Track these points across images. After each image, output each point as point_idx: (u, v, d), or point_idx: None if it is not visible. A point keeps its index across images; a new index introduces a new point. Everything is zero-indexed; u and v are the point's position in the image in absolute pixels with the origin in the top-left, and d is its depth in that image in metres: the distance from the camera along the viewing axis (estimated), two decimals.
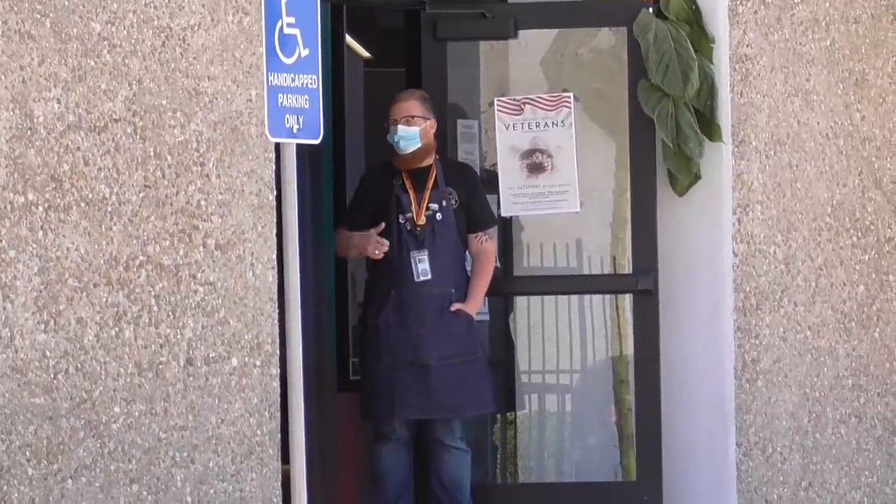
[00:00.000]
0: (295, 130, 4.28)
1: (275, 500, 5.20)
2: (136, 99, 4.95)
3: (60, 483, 4.70)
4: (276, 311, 5.16)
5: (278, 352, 5.12)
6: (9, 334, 4.56)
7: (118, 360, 4.84)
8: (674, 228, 6.98)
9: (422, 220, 6.52)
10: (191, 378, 5.09)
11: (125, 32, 4.92)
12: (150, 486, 4.98)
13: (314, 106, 4.36)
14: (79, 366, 4.75)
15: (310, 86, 4.33)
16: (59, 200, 4.72)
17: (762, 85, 7.08)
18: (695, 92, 6.62)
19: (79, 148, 4.77)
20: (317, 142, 4.57)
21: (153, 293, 4.98)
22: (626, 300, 7.05)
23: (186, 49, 5.07)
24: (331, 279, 7.10)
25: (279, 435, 5.08)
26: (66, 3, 4.81)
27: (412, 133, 6.38)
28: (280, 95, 4.24)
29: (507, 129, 6.86)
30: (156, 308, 5.00)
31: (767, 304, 6.98)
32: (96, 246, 4.81)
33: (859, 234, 7.32)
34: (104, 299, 4.81)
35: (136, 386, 4.88)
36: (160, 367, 4.96)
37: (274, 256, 5.12)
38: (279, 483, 5.11)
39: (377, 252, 6.32)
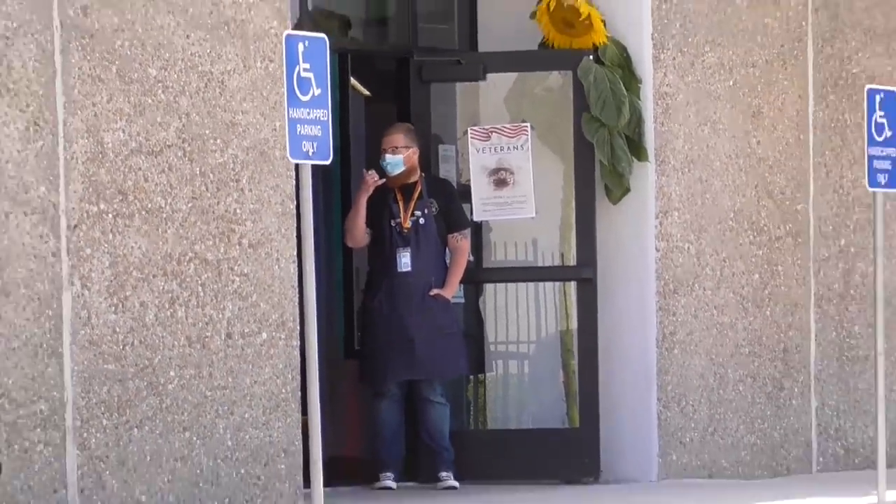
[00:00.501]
0: (310, 153, 4.07)
1: (296, 443, 5.01)
2: (184, 129, 4.75)
3: (128, 431, 4.59)
4: (297, 296, 4.95)
5: (298, 328, 4.94)
6: (86, 315, 4.47)
7: (172, 334, 4.73)
8: (609, 230, 6.63)
9: (407, 224, 6.35)
10: (230, 349, 4.88)
11: (175, 76, 4.73)
12: (198, 433, 4.81)
13: (325, 134, 4.12)
14: (142, 339, 4.63)
15: (321, 118, 4.10)
16: (124, 209, 4.57)
17: (679, 116, 6.69)
18: (626, 122, 6.32)
19: (140, 168, 4.61)
20: (327, 163, 4.31)
21: (199, 282, 4.80)
22: (572, 286, 6.70)
23: (224, 89, 4.85)
24: (339, 271, 6.84)
25: (299, 392, 4.92)
26: (128, 52, 4.63)
27: (397, 160, 6.23)
28: (298, 126, 4.03)
29: (477, 152, 6.57)
30: (202, 293, 4.83)
31: (682, 289, 6.61)
32: (154, 245, 4.62)
33: (755, 233, 6.96)
34: (161, 287, 4.67)
35: (186, 355, 4.74)
36: (206, 339, 4.81)
37: (294, 253, 4.89)
38: (299, 430, 4.97)
39: (370, 180, 6.30)
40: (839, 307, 7.13)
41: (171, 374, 4.66)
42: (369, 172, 6.13)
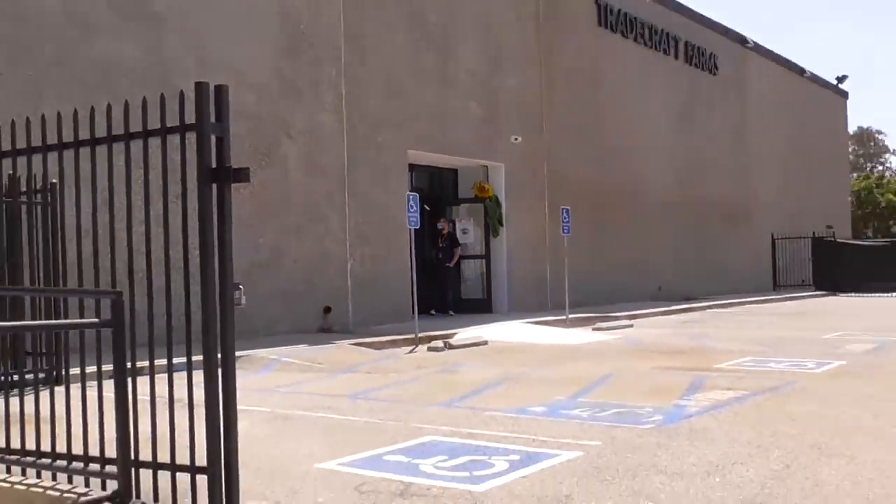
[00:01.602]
0: (412, 224, 16.42)
1: None
2: (386, 219, 18.49)
3: None
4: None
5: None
6: None
7: None
8: (494, 245, 20.73)
9: (453, 261, 20.17)
10: None
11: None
12: None
13: (416, 219, 15.58)
14: None
15: (413, 216, 16.61)
16: None
17: (512, 218, 20.75)
18: (498, 217, 20.43)
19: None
20: (417, 227, 15.32)
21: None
22: (485, 261, 20.60)
23: (392, 208, 18.45)
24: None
25: None
26: None
27: (441, 226, 20.47)
28: (407, 215, 15.97)
29: (460, 224, 21.16)
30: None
31: (516, 261, 21.08)
32: None
33: (540, 252, 21.54)
34: None
35: None
36: None
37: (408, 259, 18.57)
38: None
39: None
40: None
41: None
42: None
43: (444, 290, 20.08)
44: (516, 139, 20.96)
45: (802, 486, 5.26)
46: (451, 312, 19.86)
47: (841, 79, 40.85)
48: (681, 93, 28.04)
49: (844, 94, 41.47)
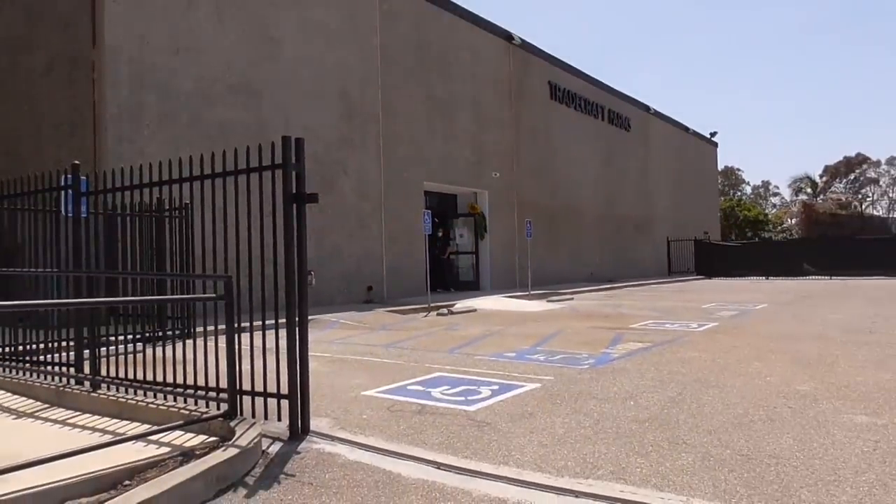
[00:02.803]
0: (426, 230, 16.74)
1: None
2: (405, 229, 18.37)
3: None
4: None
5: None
6: None
7: None
8: (481, 246, 20.66)
9: (445, 255, 20.19)
10: None
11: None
12: None
13: (429, 227, 16.43)
14: None
15: (427, 225, 16.80)
16: None
17: (492, 227, 20.38)
18: (483, 227, 20.34)
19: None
20: (430, 233, 16.01)
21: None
22: (474, 256, 20.40)
23: (409, 220, 18.49)
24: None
25: None
26: None
27: (439, 236, 20.42)
28: (423, 225, 16.46)
29: (459, 231, 21.05)
30: None
31: (499, 257, 20.52)
32: None
33: (517, 253, 21.26)
34: None
35: None
36: None
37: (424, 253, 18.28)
38: None
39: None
40: None
41: None
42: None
43: (444, 274, 19.83)
44: (496, 174, 20.69)
45: (689, 406, 5.20)
46: (452, 290, 19.62)
47: (713, 133, 40.62)
48: (605, 143, 27.67)
49: (715, 144, 41.12)
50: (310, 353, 4.37)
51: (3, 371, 5.55)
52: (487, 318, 12.91)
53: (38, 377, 5.42)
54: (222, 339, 4.40)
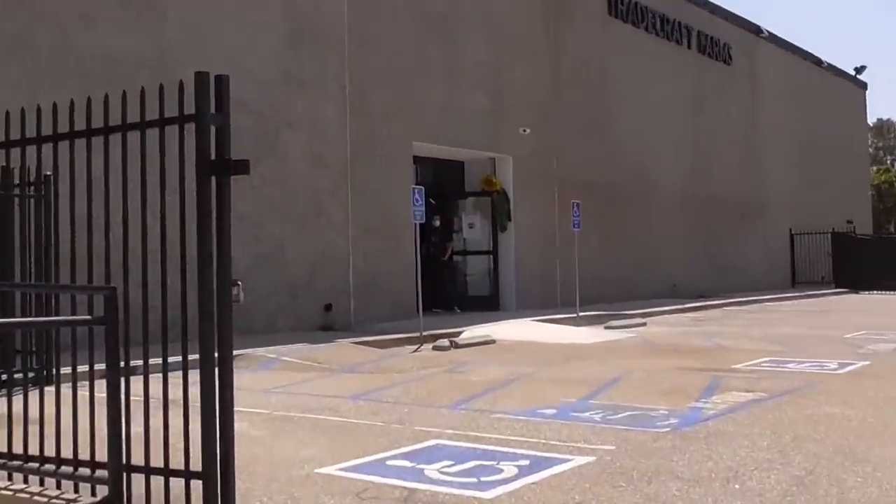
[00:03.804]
0: (417, 218, 16.94)
1: None
2: (391, 217, 18.61)
3: None
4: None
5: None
6: None
7: None
8: (502, 239, 20.70)
9: (446, 255, 20.41)
10: None
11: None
12: None
13: (421, 213, 17.16)
14: None
15: (418, 210, 17.37)
16: None
17: (519, 211, 20.66)
18: (506, 211, 20.56)
19: None
20: (423, 222, 15.93)
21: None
22: (491, 257, 20.63)
23: (396, 202, 18.55)
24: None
25: None
26: None
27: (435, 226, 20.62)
28: (412, 210, 16.11)
29: (466, 218, 21.13)
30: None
31: (524, 260, 20.86)
32: None
33: (543, 243, 21.52)
34: None
35: None
36: None
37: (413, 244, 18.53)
38: None
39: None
40: None
41: None
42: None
43: (443, 284, 20.09)
44: (524, 131, 20.93)
45: (827, 493, 5.19)
46: (457, 309, 19.79)
47: (859, 69, 40.61)
48: (693, 85, 27.95)
49: (863, 85, 41.23)
50: (237, 408, 4.36)
51: None
52: (512, 354, 13.00)
53: None
54: (101, 386, 4.39)
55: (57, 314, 5.43)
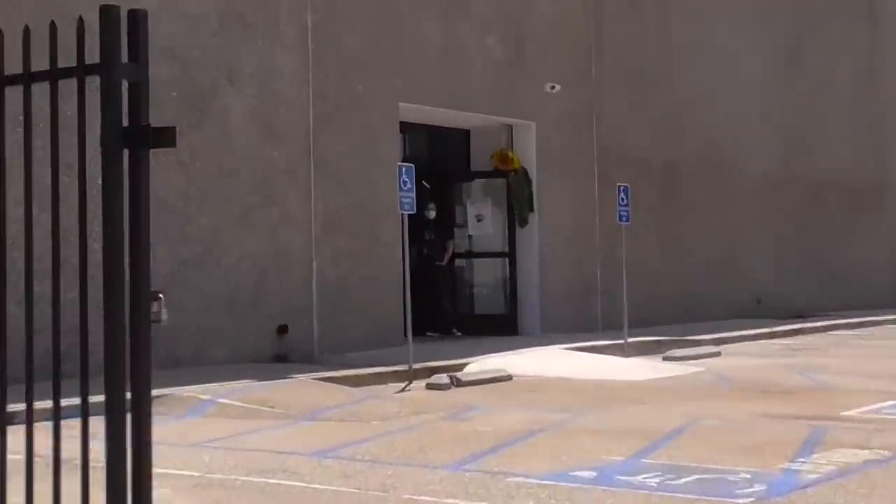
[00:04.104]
0: (406, 208, 15.39)
1: None
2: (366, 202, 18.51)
3: None
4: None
5: None
6: None
7: None
8: (520, 236, 20.57)
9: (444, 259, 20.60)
10: None
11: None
12: None
13: (411, 201, 15.85)
14: None
15: (407, 197, 16.37)
16: None
17: (545, 196, 20.55)
18: (526, 198, 20.40)
19: None
20: (413, 213, 14.91)
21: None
22: (506, 260, 20.62)
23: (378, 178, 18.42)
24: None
25: None
26: None
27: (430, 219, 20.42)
28: (399, 196, 15.06)
29: (471, 207, 20.92)
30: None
31: (551, 262, 20.81)
32: None
33: (569, 238, 21.55)
34: None
35: None
36: None
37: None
38: None
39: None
40: None
41: None
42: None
43: (440, 299, 20.19)
44: (553, 88, 20.87)
45: None
46: (457, 332, 19.89)
47: None
48: (787, 26, 27.93)
49: None
50: (157, 469, 4.34)
51: None
52: (535, 395, 12.99)
53: None
54: None
55: None
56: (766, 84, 27.06)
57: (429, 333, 19.50)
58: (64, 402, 4.45)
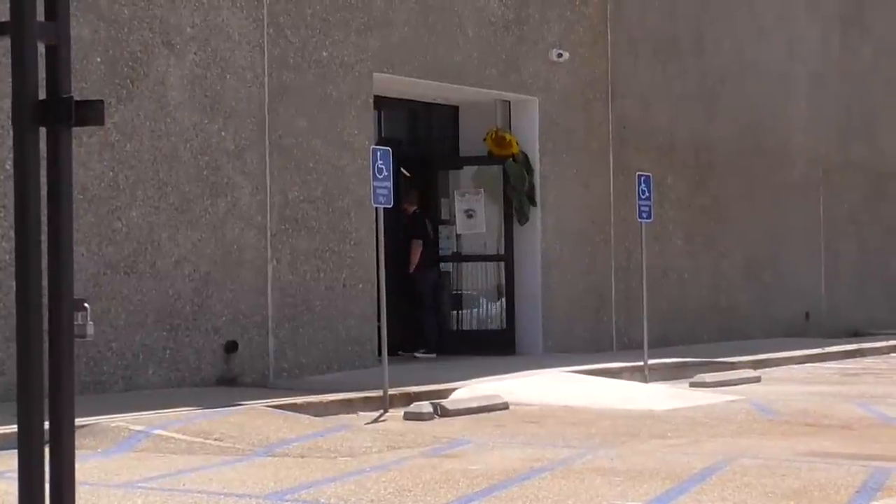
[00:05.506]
0: (381, 200, 15.58)
1: None
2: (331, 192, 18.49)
3: None
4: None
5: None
6: None
7: None
8: (519, 235, 20.56)
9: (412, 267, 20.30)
10: None
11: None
12: None
13: (387, 192, 15.82)
14: None
15: (382, 187, 16.30)
16: None
17: (548, 186, 20.55)
18: (526, 189, 20.27)
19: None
20: (390, 206, 14.85)
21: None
22: (502, 264, 20.55)
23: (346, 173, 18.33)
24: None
25: None
26: None
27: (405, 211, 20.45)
28: (372, 187, 14.82)
29: (461, 201, 20.81)
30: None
31: (552, 264, 20.40)
32: None
33: (585, 237, 21.45)
34: None
35: None
36: None
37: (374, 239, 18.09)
38: None
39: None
40: None
41: None
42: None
43: (422, 311, 20.33)
44: (560, 56, 20.86)
45: None
46: (425, 353, 19.88)
47: None
48: None
49: None
50: None
51: None
52: (536, 427, 13.00)
53: None
54: None
55: None
56: (820, 51, 27.15)
57: (415, 354, 19.52)
58: None
